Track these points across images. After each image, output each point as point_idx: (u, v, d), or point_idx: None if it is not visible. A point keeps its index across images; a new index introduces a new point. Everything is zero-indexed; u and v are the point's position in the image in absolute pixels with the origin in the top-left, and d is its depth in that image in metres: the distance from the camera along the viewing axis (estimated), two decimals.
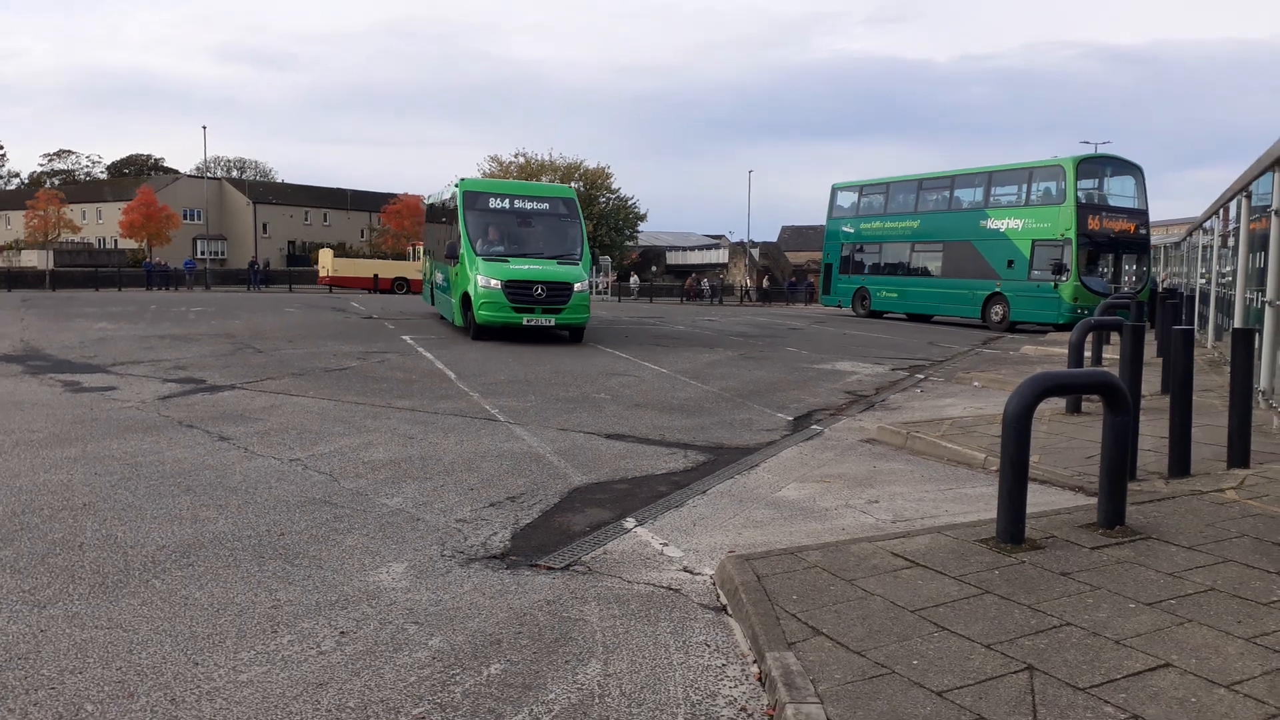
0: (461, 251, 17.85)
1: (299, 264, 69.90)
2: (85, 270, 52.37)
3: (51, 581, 4.86)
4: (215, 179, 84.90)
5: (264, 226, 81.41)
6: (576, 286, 17.37)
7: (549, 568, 5.29)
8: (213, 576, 4.98)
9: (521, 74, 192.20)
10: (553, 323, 17.22)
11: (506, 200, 18.67)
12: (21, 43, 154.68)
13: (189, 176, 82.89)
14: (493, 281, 16.87)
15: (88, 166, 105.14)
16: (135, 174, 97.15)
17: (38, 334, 18.15)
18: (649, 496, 6.96)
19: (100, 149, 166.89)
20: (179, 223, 68.18)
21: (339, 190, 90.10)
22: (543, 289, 17.05)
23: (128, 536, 5.62)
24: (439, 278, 21.86)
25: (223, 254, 77.11)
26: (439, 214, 22.50)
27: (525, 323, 16.98)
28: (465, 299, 17.71)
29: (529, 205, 18.79)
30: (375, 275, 45.46)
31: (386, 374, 13.08)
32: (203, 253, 68.86)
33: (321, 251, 52.15)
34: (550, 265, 17.55)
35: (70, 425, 8.97)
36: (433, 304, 23.77)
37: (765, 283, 63.91)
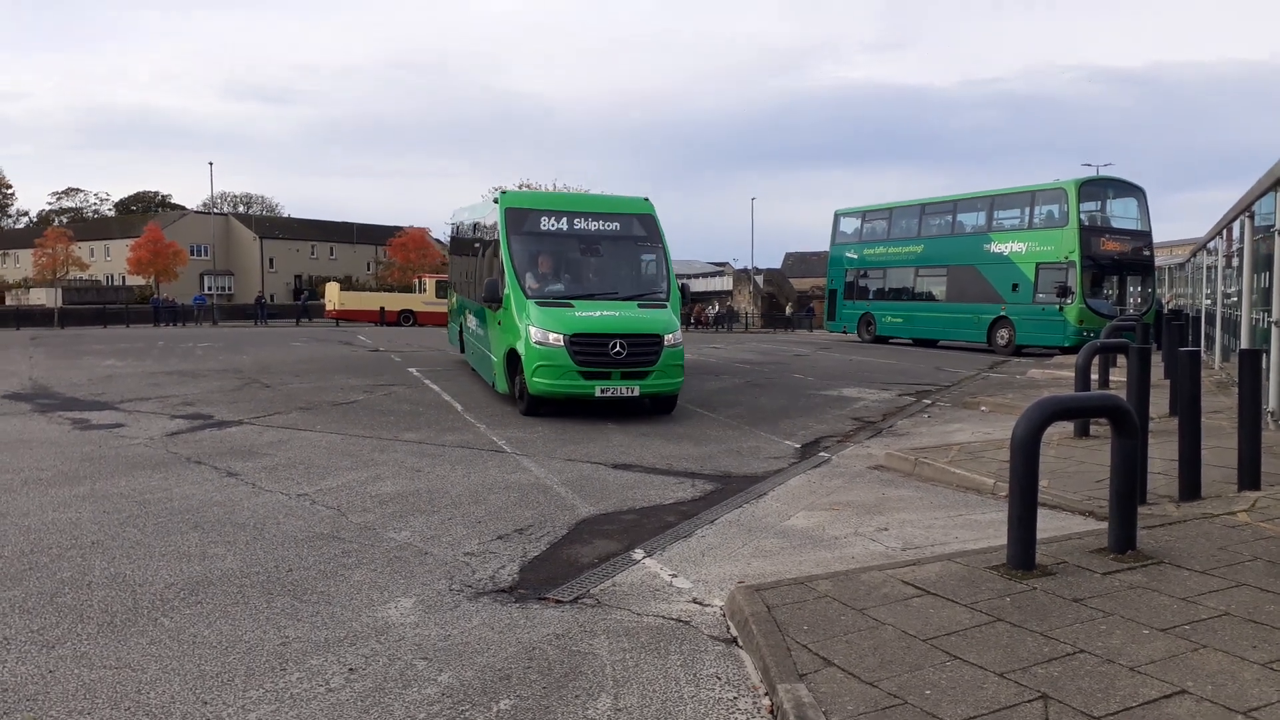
0: (506, 292, 12.51)
1: (306, 298, 70.29)
2: (93, 307, 52.69)
3: (60, 621, 4.85)
4: (222, 215, 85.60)
5: (270, 261, 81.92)
6: (668, 339, 11.90)
7: (558, 601, 5.27)
8: (221, 614, 4.97)
9: (524, 106, 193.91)
10: (637, 392, 11.76)
11: (563, 220, 13.21)
12: (26, 81, 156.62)
13: (196, 213, 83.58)
14: (551, 336, 11.53)
15: (95, 204, 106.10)
16: (143, 211, 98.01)
17: (46, 372, 18.22)
18: (657, 527, 6.93)
19: (108, 186, 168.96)
20: (186, 259, 68.62)
21: (345, 224, 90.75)
22: (622, 345, 11.56)
23: (136, 575, 5.62)
24: (472, 322, 16.37)
25: (230, 289, 77.56)
26: (468, 240, 17.45)
27: (598, 394, 11.61)
28: (512, 358, 12.44)
29: (594, 226, 13.30)
30: (382, 308, 45.61)
31: (393, 407, 13.10)
32: (210, 288, 69.27)
33: (328, 285, 52.43)
34: (629, 310, 12.22)
35: (78, 463, 8.99)
36: (462, 350, 18.61)
37: (771, 309, 64.07)
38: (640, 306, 12.39)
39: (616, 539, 6.61)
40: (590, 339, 11.59)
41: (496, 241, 13.23)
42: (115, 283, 75.71)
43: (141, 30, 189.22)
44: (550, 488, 8.13)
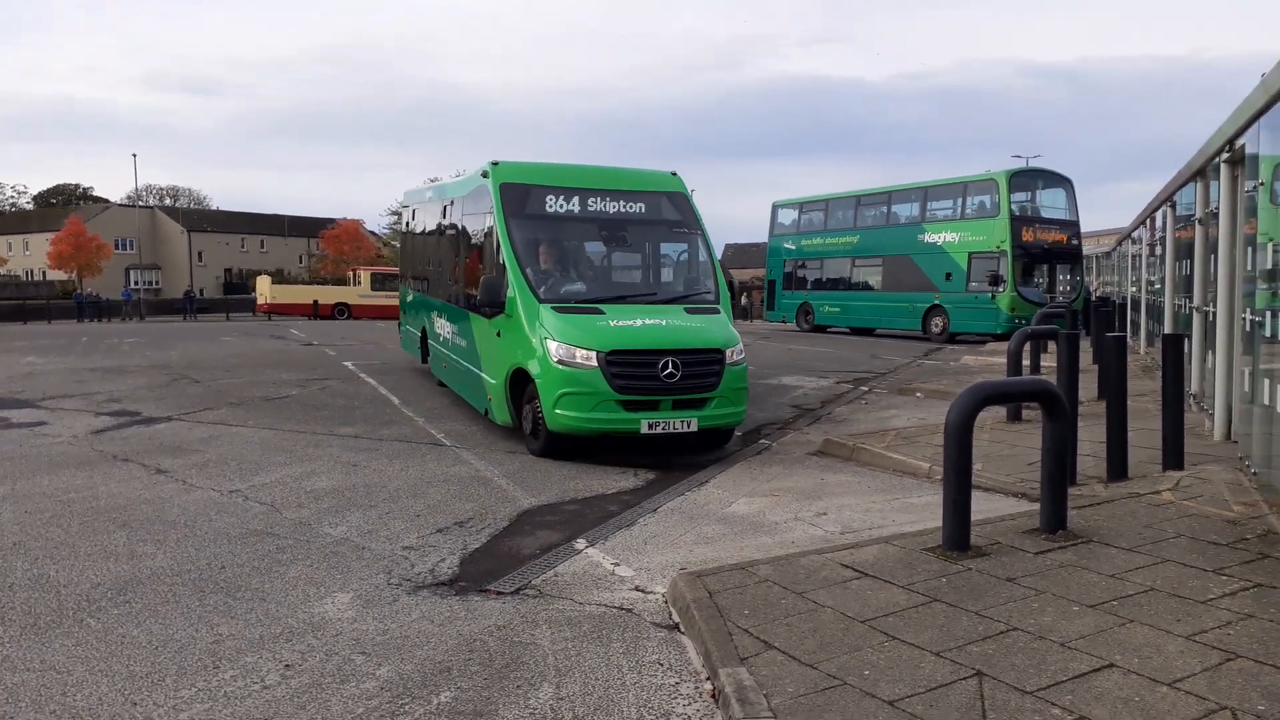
0: (510, 294, 9.46)
1: (237, 292, 68.65)
2: (12, 304, 50.66)
3: None
4: (147, 207, 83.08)
5: (199, 255, 79.84)
6: (730, 355, 9.07)
7: (499, 592, 5.23)
8: (151, 613, 4.83)
9: (460, 98, 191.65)
10: (694, 426, 8.82)
11: (574, 199, 10.11)
12: None
13: (120, 205, 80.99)
14: (579, 353, 8.66)
15: (13, 197, 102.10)
16: (63, 204, 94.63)
17: None
18: (599, 517, 6.92)
19: (26, 179, 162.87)
20: (110, 253, 66.51)
21: (276, 216, 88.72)
22: (675, 364, 8.68)
23: (60, 575, 5.43)
24: (446, 329, 12.85)
25: (157, 284, 75.38)
26: (433, 226, 14.05)
27: (645, 430, 8.66)
28: (519, 381, 9.45)
29: (614, 207, 10.27)
30: (315, 301, 44.69)
31: (328, 401, 12.87)
32: (136, 283, 67.21)
33: (259, 278, 51.25)
34: (676, 317, 9.43)
35: None
36: (424, 359, 15.15)
37: None
38: (688, 312, 9.55)
39: (558, 529, 6.58)
40: (634, 357, 8.62)
41: (488, 228, 10.25)
42: (35, 278, 73.09)
43: (61, 21, 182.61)
44: (491, 480, 8.06)
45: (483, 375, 10.52)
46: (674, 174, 10.85)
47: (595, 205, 10.22)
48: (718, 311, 9.79)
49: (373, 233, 75.55)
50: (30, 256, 76.78)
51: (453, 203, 12.65)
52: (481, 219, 10.70)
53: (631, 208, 10.39)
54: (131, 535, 6.27)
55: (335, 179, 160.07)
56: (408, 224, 17.08)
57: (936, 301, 27.24)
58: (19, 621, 4.71)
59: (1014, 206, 25.62)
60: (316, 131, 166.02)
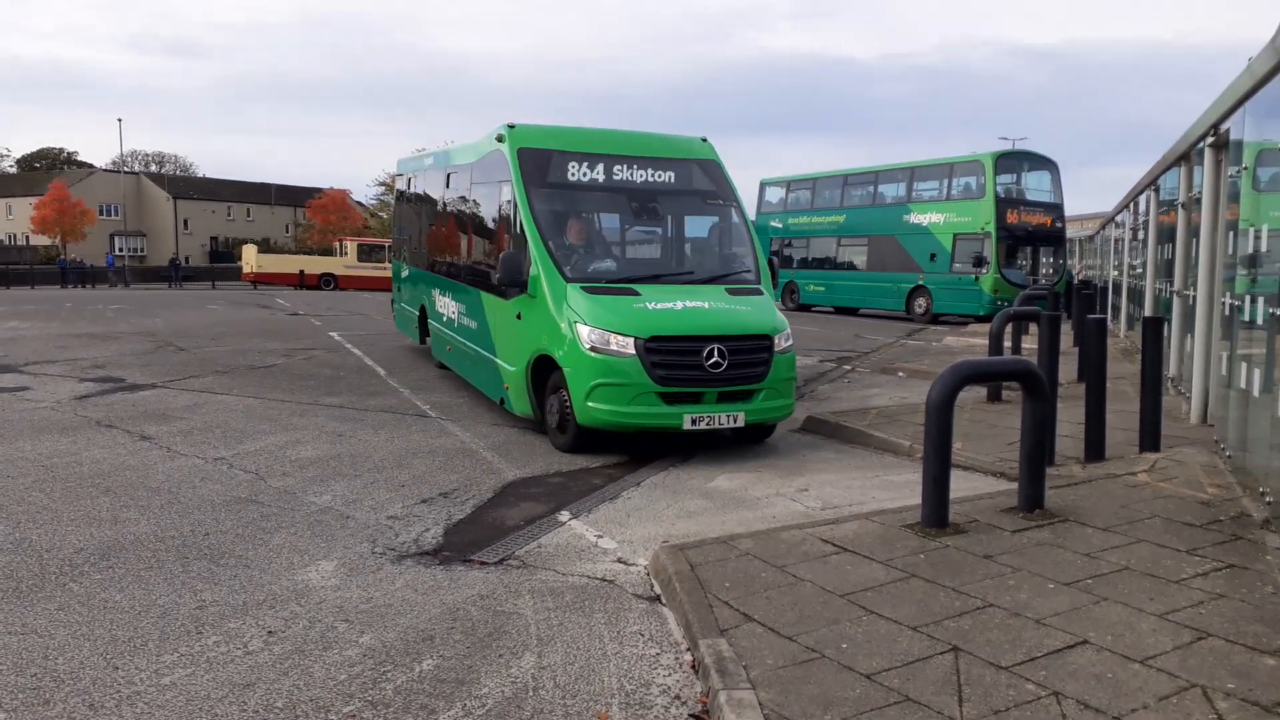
0: (534, 272, 8.55)
1: (223, 260, 68.13)
2: None
3: None
4: (133, 173, 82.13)
5: (185, 222, 79.02)
6: (778, 341, 8.31)
7: (482, 563, 5.26)
8: (134, 579, 4.84)
9: (446, 66, 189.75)
10: (741, 421, 8.08)
11: (599, 166, 9.21)
12: None
13: (105, 171, 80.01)
14: (615, 339, 7.84)
15: None
16: (47, 168, 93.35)
17: None
18: (583, 490, 6.96)
19: (9, 142, 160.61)
20: (95, 219, 65.72)
21: (263, 185, 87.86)
22: (720, 351, 7.92)
23: (43, 540, 5.43)
24: (451, 307, 11.69)
25: (142, 250, 74.62)
26: (438, 195, 12.80)
27: (688, 425, 7.86)
28: (542, 368, 8.59)
29: (642, 175, 9.38)
30: (301, 271, 44.41)
31: (314, 371, 12.84)
32: (121, 249, 66.56)
33: (245, 247, 50.85)
34: (718, 298, 8.58)
35: None
36: (422, 340, 14.01)
37: None
38: (730, 293, 8.68)
39: (543, 501, 6.61)
40: (676, 344, 7.84)
41: (504, 199, 9.38)
42: (18, 243, 72.24)
43: None
44: (476, 452, 8.08)
45: (498, 361, 9.56)
46: (704, 139, 10.03)
47: (622, 173, 9.29)
48: (761, 293, 8.90)
49: (359, 203, 74.94)
50: (13, 221, 75.84)
51: (458, 170, 11.63)
52: (495, 188, 9.77)
53: (661, 176, 9.47)
54: (115, 501, 6.27)
55: (321, 147, 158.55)
56: (402, 193, 15.80)
57: (920, 282, 27.31)
58: (0, 585, 4.72)
59: (999, 188, 25.67)
60: (301, 98, 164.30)
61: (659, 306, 8.15)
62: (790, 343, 8.50)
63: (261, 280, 44.34)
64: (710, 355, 7.87)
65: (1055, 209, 27.04)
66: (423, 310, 13.63)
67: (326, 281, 44.35)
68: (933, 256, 26.91)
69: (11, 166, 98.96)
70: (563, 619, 4.44)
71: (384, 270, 43.39)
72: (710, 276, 9.12)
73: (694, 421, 7.88)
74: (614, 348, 7.82)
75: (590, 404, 7.82)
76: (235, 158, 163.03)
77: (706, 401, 7.98)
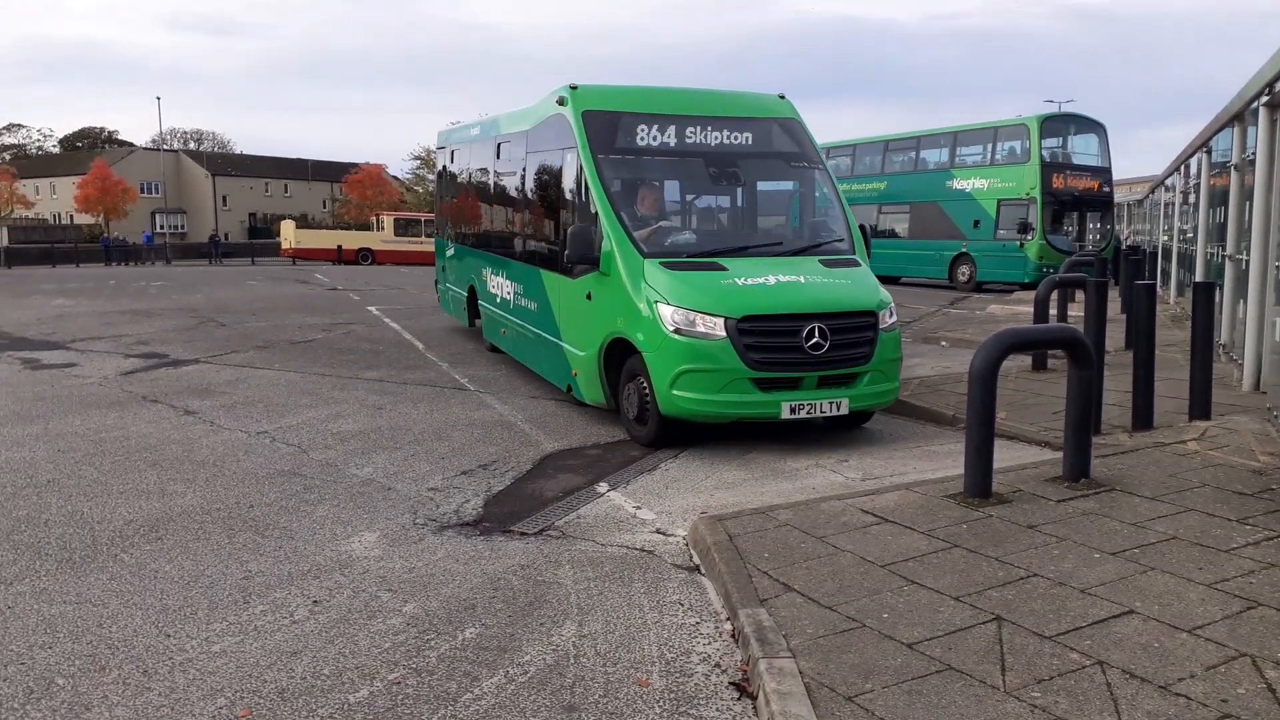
0: (606, 248, 7.78)
1: (261, 236, 68.91)
2: (41, 247, 51.23)
3: (18, 558, 4.80)
4: (172, 151, 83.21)
5: (224, 199, 80.00)
6: (883, 318, 7.56)
7: (522, 533, 5.30)
8: (182, 550, 4.94)
9: (481, 37, 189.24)
10: (845, 409, 7.30)
11: (670, 129, 8.36)
12: None
13: (145, 149, 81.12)
14: (702, 320, 7.09)
15: (39, 140, 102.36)
16: (89, 147, 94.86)
17: None
18: (621, 461, 6.97)
19: (51, 122, 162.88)
20: (136, 196, 66.74)
21: (299, 160, 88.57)
22: (821, 331, 7.14)
23: (94, 512, 5.55)
24: (507, 288, 10.80)
25: (183, 227, 75.74)
26: (487, 167, 11.85)
27: (787, 414, 7.08)
28: (616, 353, 7.85)
29: (717, 137, 8.52)
30: (339, 246, 44.82)
31: (353, 345, 12.96)
32: (162, 226, 67.63)
33: (284, 223, 51.38)
34: (813, 271, 7.80)
35: (31, 403, 8.81)
36: (471, 322, 13.03)
37: None
38: (825, 265, 7.88)
39: (581, 473, 6.63)
40: (772, 324, 7.09)
41: (568, 168, 8.60)
42: (63, 221, 73.62)
43: None
44: (514, 424, 8.12)
45: (563, 345, 8.75)
46: (782, 96, 9.13)
47: (696, 136, 8.41)
48: (858, 264, 8.08)
49: (395, 177, 75.30)
50: (57, 200, 77.23)
51: (512, 139, 10.68)
52: (556, 156, 8.95)
53: (738, 138, 8.58)
54: (162, 474, 6.39)
55: (356, 122, 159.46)
56: (445, 167, 14.54)
57: (964, 249, 26.89)
58: (55, 556, 4.84)
59: (1045, 153, 25.13)
60: (336, 73, 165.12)
61: (750, 282, 7.35)
62: (895, 319, 7.71)
63: (300, 255, 44.80)
64: (810, 336, 7.06)
65: (1103, 173, 26.44)
66: (471, 291, 12.69)
67: (364, 256, 44.72)
68: (976, 223, 26.47)
69: (54, 147, 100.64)
70: (603, 588, 4.46)
71: (421, 245, 43.72)
72: (801, 247, 8.38)
73: (793, 410, 7.07)
74: (701, 329, 7.05)
75: (675, 392, 7.03)
76: (272, 134, 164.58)
77: (805, 387, 7.17)
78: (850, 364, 7.30)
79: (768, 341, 7.08)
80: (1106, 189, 26.51)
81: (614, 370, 7.93)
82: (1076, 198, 25.77)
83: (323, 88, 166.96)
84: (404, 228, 45.30)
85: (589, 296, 8.10)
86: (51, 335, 13.89)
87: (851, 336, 7.29)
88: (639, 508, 5.78)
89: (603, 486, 6.27)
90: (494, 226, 11.73)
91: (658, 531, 5.33)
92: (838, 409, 7.24)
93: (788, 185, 9.30)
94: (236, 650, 3.78)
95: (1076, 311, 13.51)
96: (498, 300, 11.22)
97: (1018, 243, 25.11)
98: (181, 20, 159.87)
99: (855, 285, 7.69)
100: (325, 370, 10.78)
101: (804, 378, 7.16)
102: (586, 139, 8.17)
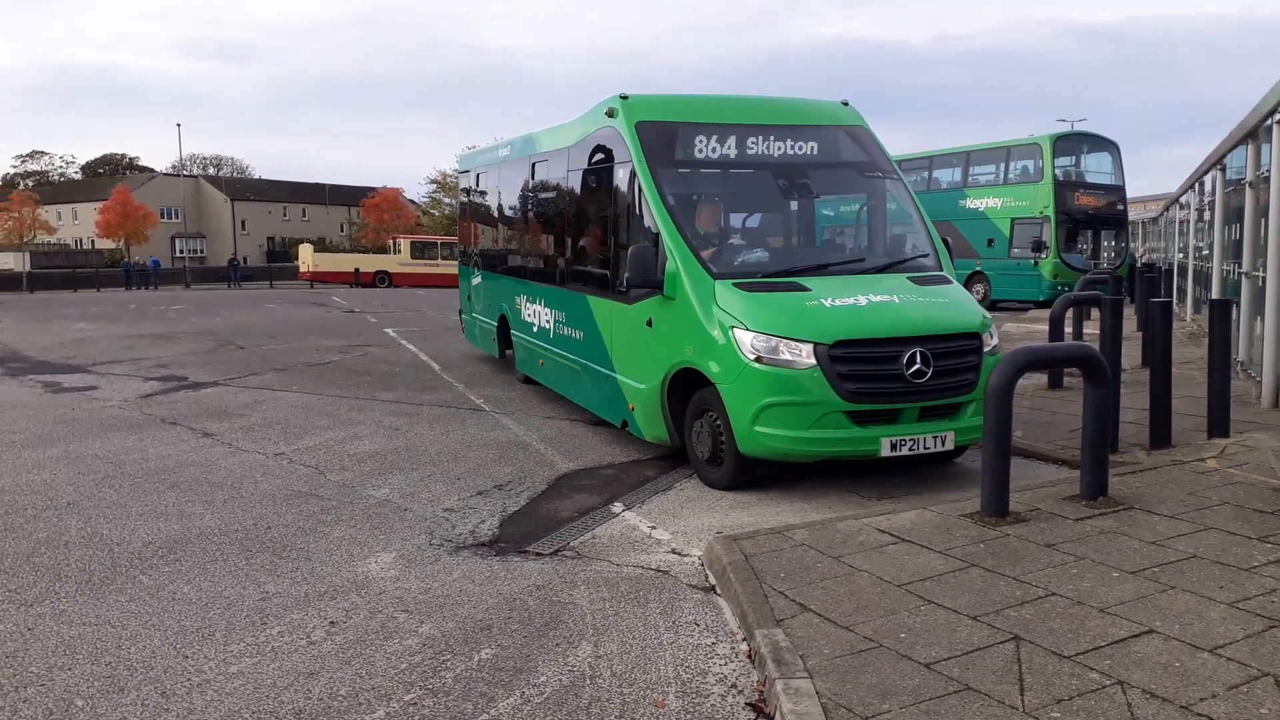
0: (670, 269, 7.10)
1: (280, 260, 69.50)
2: (63, 271, 51.78)
3: (38, 580, 4.84)
4: (191, 176, 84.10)
5: (242, 223, 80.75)
6: (986, 340, 6.87)
7: (538, 554, 5.30)
8: (200, 571, 4.97)
9: (495, 62, 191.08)
10: (950, 441, 6.57)
11: (731, 140, 7.74)
12: None
13: (165, 175, 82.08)
14: (788, 347, 6.38)
15: (61, 167, 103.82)
16: (110, 173, 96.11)
17: (16, 336, 17.98)
18: (636, 481, 6.97)
19: (73, 149, 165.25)
20: (156, 221, 67.49)
21: (316, 185, 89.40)
22: (923, 356, 6.44)
23: (113, 534, 5.59)
24: (545, 315, 10.03)
25: (202, 251, 76.47)
26: (520, 188, 11.20)
27: (887, 451, 6.37)
28: (682, 384, 7.15)
29: (782, 148, 7.90)
30: (356, 269, 45.16)
31: (370, 367, 13.04)
32: (181, 251, 68.35)
33: (302, 246, 51.83)
34: (902, 290, 7.11)
35: (51, 425, 8.90)
36: (501, 354, 12.17)
37: None
38: (915, 283, 7.19)
39: (596, 493, 6.64)
40: (868, 351, 6.39)
41: (621, 185, 7.87)
42: (84, 246, 74.44)
43: None
44: (529, 445, 8.14)
45: (617, 377, 7.96)
46: (846, 103, 8.58)
47: (758, 146, 7.76)
48: (950, 281, 7.42)
49: (412, 201, 75.86)
50: (79, 225, 78.14)
51: (550, 157, 9.96)
52: (604, 172, 8.29)
53: (804, 147, 7.94)
54: (180, 496, 6.44)
55: (373, 146, 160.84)
56: (469, 191, 13.81)
57: (978, 268, 26.83)
58: (74, 578, 4.87)
59: (1058, 171, 25.09)
60: (351, 98, 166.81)
61: (838, 304, 6.62)
62: (997, 341, 7.00)
63: (318, 279, 45.14)
64: (911, 362, 6.32)
65: (1117, 191, 26.37)
66: (502, 320, 11.78)
67: (381, 279, 45.01)
68: (990, 242, 26.42)
69: (76, 173, 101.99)
70: (618, 609, 4.45)
71: (437, 267, 44.02)
72: (885, 264, 7.64)
73: (894, 446, 6.36)
74: (786, 357, 6.30)
75: (759, 429, 6.31)
76: (289, 158, 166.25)
77: (905, 420, 6.44)
78: (955, 392, 6.57)
79: (864, 369, 6.34)
80: (1120, 207, 26.43)
81: (679, 404, 7.22)
82: (1090, 216, 25.71)
83: (338, 112, 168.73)
84: (421, 250, 45.60)
85: (649, 323, 7.38)
86: (73, 359, 14.04)
87: (956, 362, 6.58)
88: (654, 528, 5.78)
89: (618, 506, 6.27)
90: (530, 250, 11.03)
91: (673, 552, 5.32)
92: (942, 444, 6.50)
93: (861, 197, 8.60)
94: (254, 671, 3.79)
95: (1092, 329, 13.46)
96: (535, 329, 10.39)
97: (1032, 261, 25.04)
98: (197, 47, 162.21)
99: (954, 305, 7.01)
100: (342, 392, 10.84)
101: (904, 409, 6.43)
102: (642, 152, 7.50)
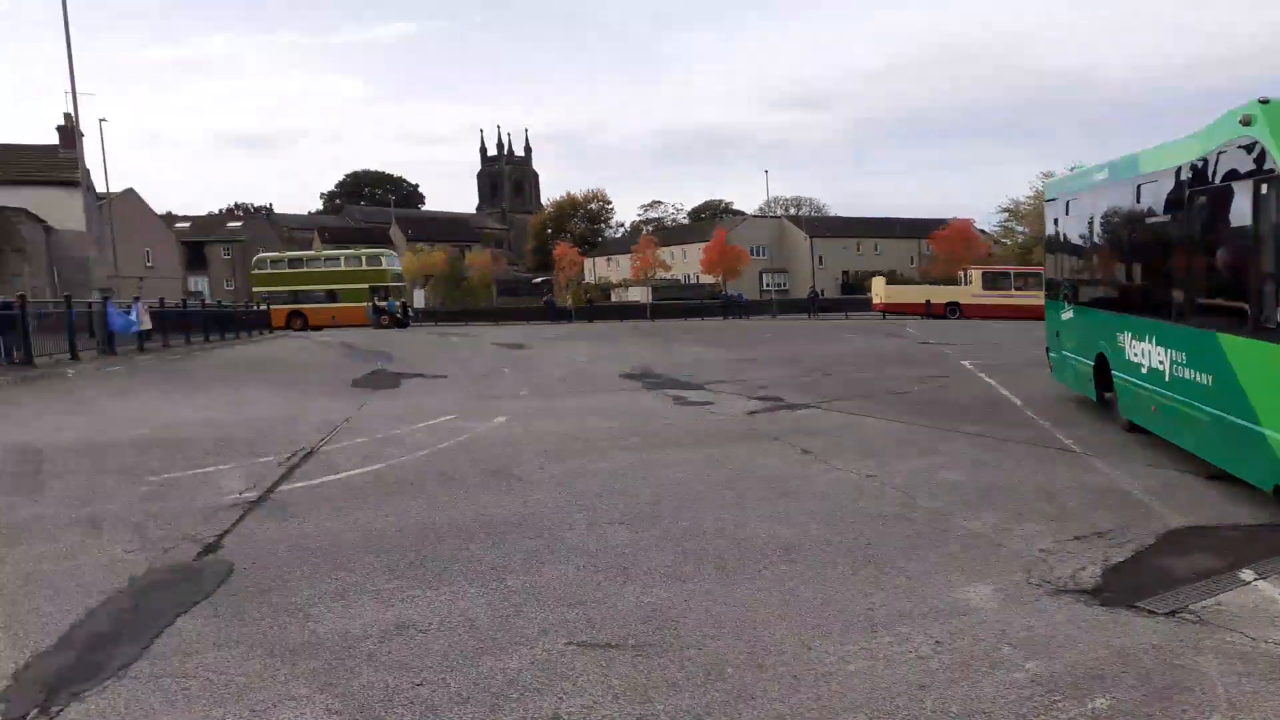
0: None
1: (853, 292, 72.79)
2: (675, 302, 60.67)
3: (684, 561, 5.79)
4: (775, 218, 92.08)
5: (820, 258, 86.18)
6: None
7: (1150, 611, 4.93)
8: (814, 574, 5.51)
9: (1068, 83, 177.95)
10: None
11: None
12: (610, 111, 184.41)
13: (754, 217, 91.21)
14: None
15: (673, 214, 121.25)
16: (710, 218, 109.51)
17: (648, 355, 21.47)
18: (1271, 548, 6.08)
19: (681, 197, 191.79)
20: (747, 259, 75.40)
21: (888, 219, 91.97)
22: None
23: (738, 530, 6.45)
24: (1160, 358, 8.92)
25: (785, 285, 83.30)
26: (1125, 214, 10.21)
27: None
28: None
29: None
30: (927, 301, 45.42)
31: (949, 399, 13.11)
32: (767, 284, 75.29)
33: (874, 279, 53.72)
34: None
35: (682, 433, 10.49)
36: (1098, 396, 11.11)
37: None
38: None
39: (1217, 555, 5.94)
40: None
41: (1251, 204, 6.98)
42: (691, 280, 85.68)
43: (693, 57, 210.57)
44: (1129, 493, 7.54)
45: (1267, 433, 6.76)
46: None
47: None
48: None
49: (982, 231, 74.12)
50: (687, 263, 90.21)
51: (1158, 179, 9.10)
52: (1241, 190, 7.26)
53: None
54: (789, 504, 7.18)
55: (942, 179, 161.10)
56: (1057, 220, 12.96)
57: None
58: (712, 563, 5.74)
59: None
60: (921, 133, 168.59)
61: None
62: None
63: (889, 310, 46.30)
64: None
65: None
66: (1100, 359, 10.85)
67: (951, 310, 44.65)
68: None
69: (685, 218, 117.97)
70: (1256, 688, 3.97)
71: (1010, 298, 42.41)
72: None
73: None
74: None
75: None
76: (861, 196, 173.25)
77: None
78: None
79: None
80: None
81: None
82: None
83: (909, 148, 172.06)
84: (993, 281, 44.31)
85: None
86: (692, 378, 16.34)
87: None
88: None
89: (1248, 574, 5.54)
90: (1135, 283, 10.17)
91: None
92: None
93: None
94: (869, 673, 4.13)
95: None
96: (1144, 372, 9.37)
97: None
98: (781, 99, 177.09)
99: None
100: (924, 421, 11.08)
101: None
102: None
